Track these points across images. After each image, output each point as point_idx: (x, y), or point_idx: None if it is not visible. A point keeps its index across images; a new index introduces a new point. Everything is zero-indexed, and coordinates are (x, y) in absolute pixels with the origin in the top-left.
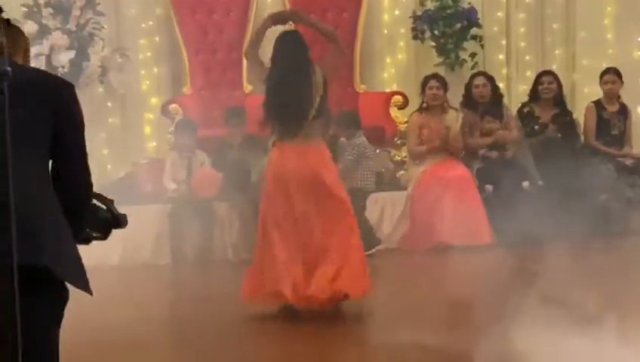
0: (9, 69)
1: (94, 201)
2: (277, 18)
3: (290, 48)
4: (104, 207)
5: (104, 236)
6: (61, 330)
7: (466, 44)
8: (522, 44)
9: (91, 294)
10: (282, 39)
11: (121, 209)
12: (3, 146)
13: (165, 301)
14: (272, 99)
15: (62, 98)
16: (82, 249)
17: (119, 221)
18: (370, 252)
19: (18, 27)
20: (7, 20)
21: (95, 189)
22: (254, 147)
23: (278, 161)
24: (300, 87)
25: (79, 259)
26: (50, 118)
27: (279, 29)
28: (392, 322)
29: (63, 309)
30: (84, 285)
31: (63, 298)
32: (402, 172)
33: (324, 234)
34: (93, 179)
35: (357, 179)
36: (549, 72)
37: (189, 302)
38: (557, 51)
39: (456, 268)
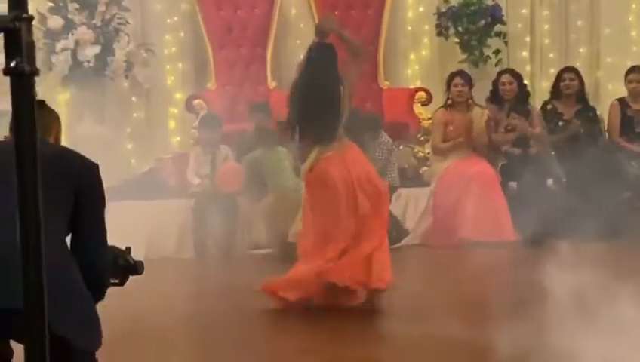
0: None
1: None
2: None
3: (323, 62)
4: (122, 256)
5: (122, 282)
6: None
7: (489, 41)
8: (546, 41)
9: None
10: (316, 51)
11: (145, 203)
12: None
13: (188, 294)
14: (301, 110)
15: (86, 177)
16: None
17: (136, 268)
18: (398, 245)
19: (53, 110)
20: (42, 101)
21: (119, 184)
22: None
23: (323, 171)
24: (330, 101)
25: (94, 321)
26: (73, 195)
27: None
28: (414, 316)
29: None
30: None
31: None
32: (425, 168)
33: (367, 224)
34: (118, 174)
35: (384, 176)
36: (571, 69)
37: (212, 295)
38: (581, 49)
39: (479, 264)
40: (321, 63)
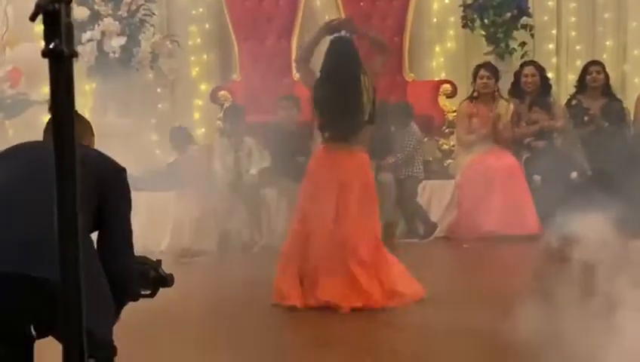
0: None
1: (144, 262)
2: (332, 27)
3: (343, 56)
4: (152, 268)
5: (152, 294)
6: None
7: (516, 34)
8: (573, 33)
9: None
10: (335, 46)
11: (169, 194)
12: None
13: (209, 285)
14: (322, 106)
15: (114, 180)
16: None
17: (166, 281)
18: (429, 239)
19: (86, 120)
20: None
21: (144, 174)
22: (307, 134)
23: (321, 162)
24: (352, 96)
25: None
26: (98, 197)
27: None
28: (433, 307)
29: None
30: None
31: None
32: (450, 161)
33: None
34: (142, 165)
35: (411, 167)
36: (597, 62)
37: (232, 286)
38: (608, 41)
39: (503, 257)
40: (341, 59)
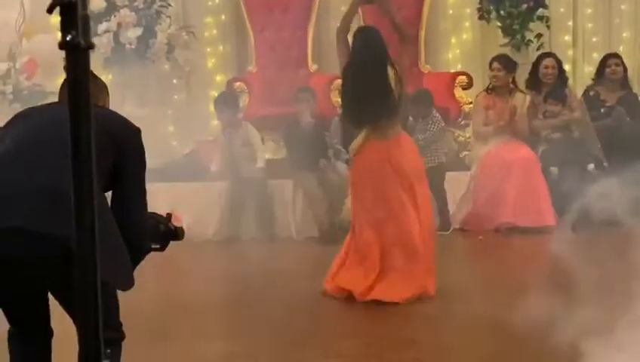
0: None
1: (152, 216)
2: None
3: (369, 46)
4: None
5: (162, 248)
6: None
7: (532, 25)
8: (589, 25)
9: (125, 290)
10: (361, 36)
11: (186, 185)
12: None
13: (229, 275)
14: (352, 98)
15: (129, 141)
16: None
17: (177, 234)
18: (447, 232)
19: (101, 80)
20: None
21: (160, 166)
22: (324, 126)
23: (370, 155)
24: (380, 86)
25: (128, 264)
26: (113, 156)
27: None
28: (454, 299)
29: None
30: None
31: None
32: (466, 152)
33: (411, 226)
34: (159, 156)
35: (439, 154)
36: (616, 55)
37: (252, 277)
38: (625, 33)
39: (520, 249)
40: (367, 49)
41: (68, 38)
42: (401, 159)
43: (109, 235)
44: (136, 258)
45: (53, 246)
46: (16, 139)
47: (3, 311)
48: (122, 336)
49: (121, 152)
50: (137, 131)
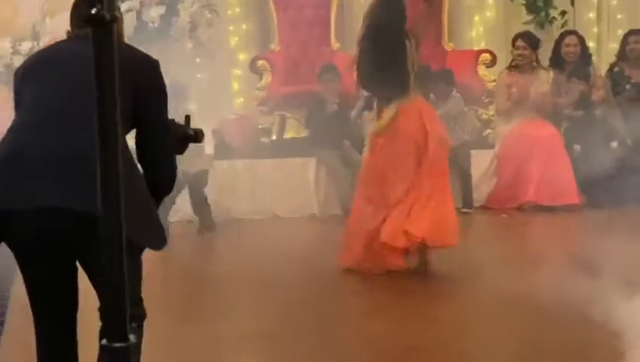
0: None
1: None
2: None
3: (389, 13)
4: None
5: (181, 151)
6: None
7: (556, 2)
8: (614, 2)
9: (159, 249)
10: (382, 3)
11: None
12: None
13: (251, 255)
14: (369, 64)
15: (148, 75)
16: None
17: (197, 137)
18: (470, 211)
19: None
20: None
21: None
22: (348, 105)
23: (399, 120)
24: (398, 52)
25: (157, 220)
26: (133, 93)
27: None
28: (475, 277)
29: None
30: (160, 246)
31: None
32: (490, 130)
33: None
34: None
35: (462, 133)
36: (637, 32)
37: (279, 256)
38: None
39: (543, 227)
40: (386, 16)
41: (93, 12)
42: (434, 125)
43: (137, 195)
44: (161, 193)
45: (88, 221)
46: (36, 105)
47: (35, 295)
48: (144, 314)
49: (142, 90)
50: (157, 64)
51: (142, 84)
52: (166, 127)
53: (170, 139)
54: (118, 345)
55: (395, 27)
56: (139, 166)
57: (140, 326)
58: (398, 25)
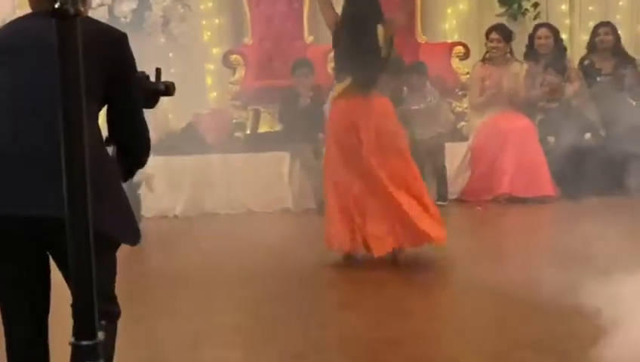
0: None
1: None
2: None
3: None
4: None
5: (151, 105)
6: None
7: None
8: None
9: (134, 244)
10: None
11: (183, 158)
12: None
13: (229, 248)
14: (343, 53)
15: (116, 49)
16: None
17: (168, 90)
18: (445, 203)
19: None
20: None
21: (157, 140)
22: (321, 98)
23: (343, 113)
24: (370, 42)
25: (131, 215)
26: (102, 67)
27: None
28: (452, 270)
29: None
30: (135, 241)
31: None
32: (463, 123)
33: (391, 184)
34: (156, 130)
35: (436, 126)
36: (606, 24)
37: (253, 249)
38: (621, 2)
39: (518, 219)
40: (359, 5)
41: (57, 5)
42: (377, 121)
43: (112, 190)
44: (136, 163)
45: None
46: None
47: (9, 297)
48: (118, 312)
49: (111, 65)
50: (124, 37)
51: (110, 59)
52: (138, 100)
53: (141, 110)
54: (85, 343)
55: (364, 14)
56: (109, 151)
57: (114, 324)
58: (368, 11)
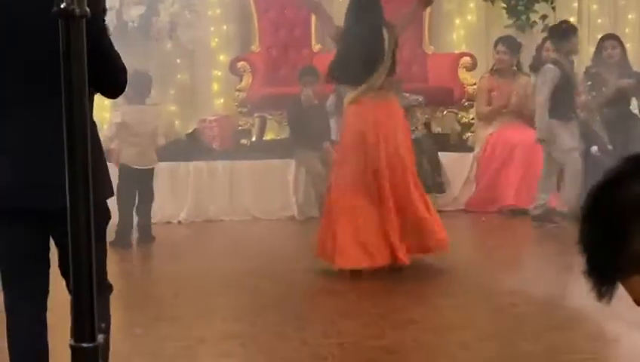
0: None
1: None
2: None
3: (366, 8)
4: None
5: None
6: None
7: (537, 6)
8: (594, 6)
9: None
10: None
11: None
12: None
13: (232, 255)
14: (347, 58)
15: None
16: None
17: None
18: (441, 194)
19: None
20: None
21: (163, 145)
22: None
23: (364, 113)
24: (376, 47)
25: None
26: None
27: None
28: (454, 279)
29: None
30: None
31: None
32: (469, 134)
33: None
34: (162, 135)
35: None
36: (612, 36)
37: (255, 256)
38: (630, 15)
39: (522, 231)
40: (363, 10)
41: (62, 6)
42: (396, 122)
43: (98, 164)
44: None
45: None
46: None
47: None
48: (111, 287)
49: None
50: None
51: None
52: (111, 47)
53: (111, 44)
54: (85, 345)
55: (368, 20)
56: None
57: (106, 297)
58: (372, 18)
